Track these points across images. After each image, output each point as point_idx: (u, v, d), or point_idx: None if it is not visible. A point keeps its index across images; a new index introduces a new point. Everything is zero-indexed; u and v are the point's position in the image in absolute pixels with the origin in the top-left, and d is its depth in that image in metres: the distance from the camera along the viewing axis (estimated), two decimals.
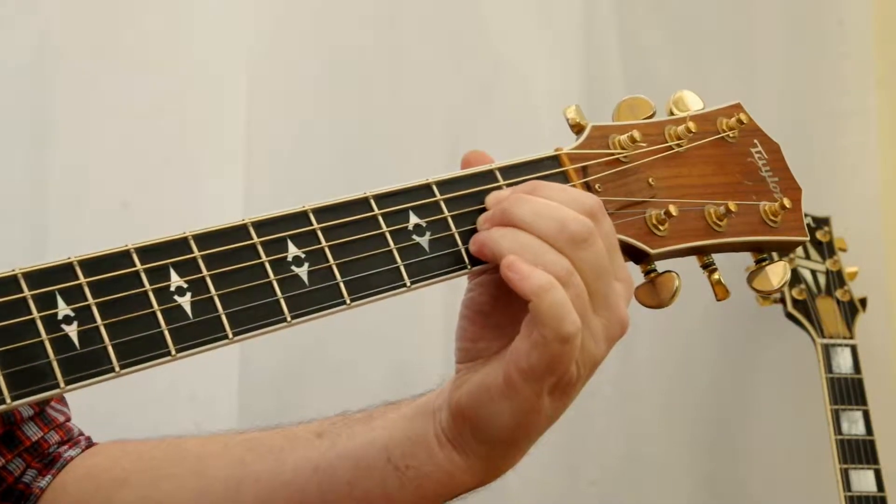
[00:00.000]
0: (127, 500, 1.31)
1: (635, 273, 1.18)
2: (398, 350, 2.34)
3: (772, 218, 1.23)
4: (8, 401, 0.95)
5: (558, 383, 1.11)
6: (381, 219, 1.11)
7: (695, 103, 1.26)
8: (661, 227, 1.19)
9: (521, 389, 1.10)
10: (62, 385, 0.97)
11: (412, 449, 1.16)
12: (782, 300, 2.49)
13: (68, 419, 1.41)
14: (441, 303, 2.32)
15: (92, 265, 1.00)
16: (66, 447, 1.38)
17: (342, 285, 1.08)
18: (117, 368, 0.99)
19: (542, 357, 1.09)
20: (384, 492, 1.17)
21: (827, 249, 2.56)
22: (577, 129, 1.21)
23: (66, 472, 1.36)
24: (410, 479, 1.16)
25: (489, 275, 1.14)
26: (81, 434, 1.41)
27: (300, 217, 1.08)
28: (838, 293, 2.52)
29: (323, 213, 1.09)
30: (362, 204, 1.11)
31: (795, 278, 2.51)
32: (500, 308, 1.14)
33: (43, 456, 1.37)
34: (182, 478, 1.29)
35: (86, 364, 0.98)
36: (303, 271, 1.07)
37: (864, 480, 2.32)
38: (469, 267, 1.13)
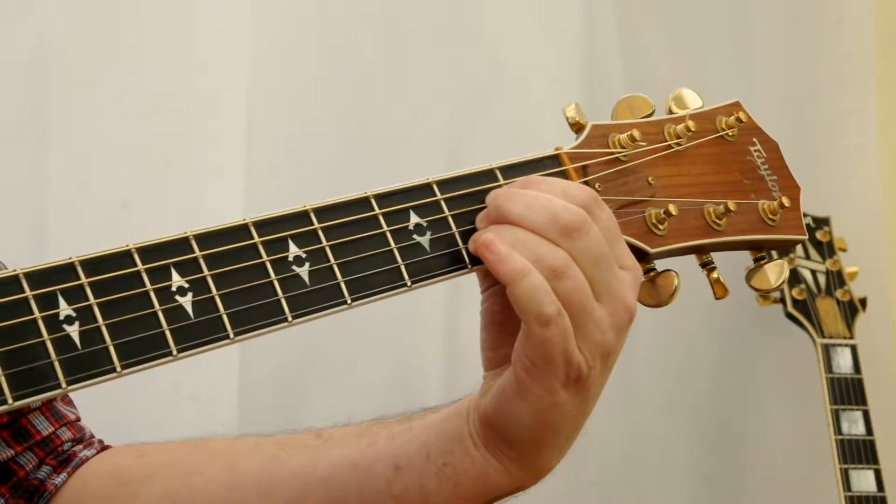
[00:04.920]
0: (155, 493, 1.30)
1: None
2: (398, 350, 2.34)
3: (770, 216, 1.24)
4: (9, 401, 0.95)
5: (568, 376, 1.11)
6: (381, 218, 1.11)
7: (694, 101, 1.26)
8: (660, 227, 1.19)
9: (531, 387, 1.11)
10: (64, 385, 0.97)
11: (449, 446, 1.17)
12: (782, 300, 2.49)
13: (78, 419, 1.40)
14: (441, 303, 2.32)
15: (93, 265, 1.00)
16: (80, 446, 1.37)
17: (343, 285, 1.08)
18: (118, 369, 0.99)
19: (535, 348, 1.09)
20: (422, 490, 1.18)
21: (827, 249, 2.55)
22: (577, 128, 1.21)
23: (85, 470, 1.35)
24: (448, 477, 1.17)
25: (500, 285, 1.13)
26: (93, 436, 1.40)
27: (301, 217, 1.09)
28: (838, 293, 2.51)
29: (324, 212, 1.09)
30: (363, 203, 1.11)
31: (795, 278, 2.50)
32: (514, 315, 1.13)
33: (56, 453, 1.36)
34: (212, 473, 1.28)
35: (87, 364, 0.98)
36: (304, 271, 1.07)
37: (864, 480, 2.32)
38: (469, 266, 1.13)
